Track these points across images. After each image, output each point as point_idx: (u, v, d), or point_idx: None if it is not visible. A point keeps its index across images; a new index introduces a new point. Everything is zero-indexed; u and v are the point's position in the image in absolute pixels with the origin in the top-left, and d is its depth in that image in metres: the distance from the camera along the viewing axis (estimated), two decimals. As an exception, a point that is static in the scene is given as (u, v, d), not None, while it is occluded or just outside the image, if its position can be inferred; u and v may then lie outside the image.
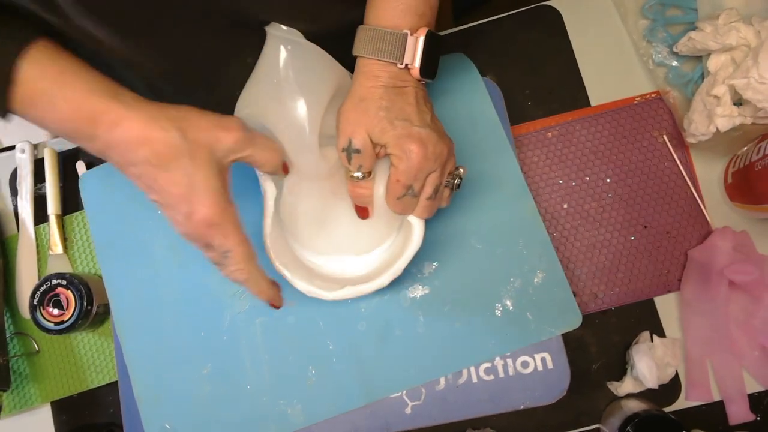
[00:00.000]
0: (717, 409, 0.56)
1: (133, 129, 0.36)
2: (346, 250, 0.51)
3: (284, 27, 0.45)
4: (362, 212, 0.49)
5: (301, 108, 0.45)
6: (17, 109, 0.36)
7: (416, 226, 0.47)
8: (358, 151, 0.44)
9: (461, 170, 0.47)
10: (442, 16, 0.76)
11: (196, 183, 0.37)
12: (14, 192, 0.68)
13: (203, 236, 0.39)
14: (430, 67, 0.45)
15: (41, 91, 0.35)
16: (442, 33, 0.65)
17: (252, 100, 0.47)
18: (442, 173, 0.45)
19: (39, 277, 0.65)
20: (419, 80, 0.45)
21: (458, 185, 0.48)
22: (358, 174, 0.45)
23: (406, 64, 0.43)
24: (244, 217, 0.42)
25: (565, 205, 0.60)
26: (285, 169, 0.45)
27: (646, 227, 0.59)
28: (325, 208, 0.50)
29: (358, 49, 0.44)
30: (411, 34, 0.43)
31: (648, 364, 0.53)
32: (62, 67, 0.36)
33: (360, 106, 0.43)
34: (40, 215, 0.66)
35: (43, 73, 0.35)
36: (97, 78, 0.37)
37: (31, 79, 0.35)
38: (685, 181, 0.59)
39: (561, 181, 0.60)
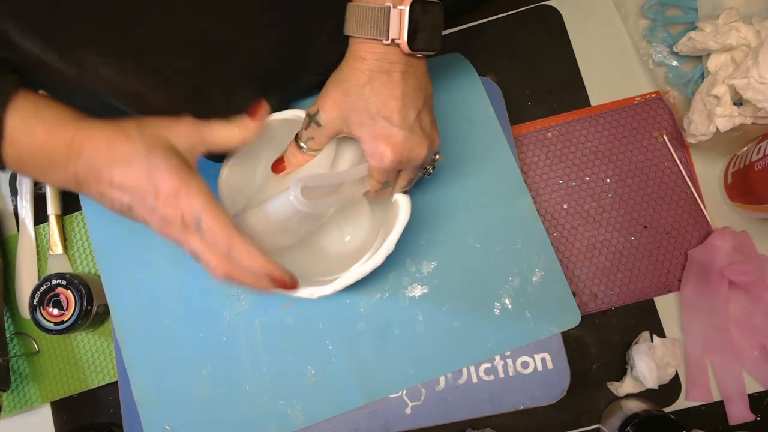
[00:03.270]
0: (717, 409, 0.56)
1: (102, 135, 0.39)
2: (335, 270, 0.50)
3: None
4: (277, 167, 0.48)
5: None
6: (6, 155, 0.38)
7: (402, 202, 0.47)
8: (318, 125, 0.43)
9: (437, 157, 0.47)
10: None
11: (153, 166, 0.38)
12: (14, 192, 0.68)
13: (175, 211, 0.39)
14: (426, 37, 0.40)
15: (23, 127, 0.38)
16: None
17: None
18: (415, 169, 0.45)
19: (39, 277, 0.65)
20: (413, 55, 0.41)
21: (430, 173, 0.48)
22: (303, 146, 0.45)
23: (393, 39, 0.40)
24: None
25: (565, 205, 0.60)
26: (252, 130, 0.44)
27: (646, 227, 0.58)
28: (311, 237, 0.51)
29: (346, 28, 0.41)
30: (394, 6, 0.39)
31: (648, 364, 0.53)
32: (38, 106, 0.39)
33: (341, 86, 0.41)
34: (40, 215, 0.66)
35: (24, 115, 0.38)
36: (68, 109, 0.40)
37: (15, 128, 0.38)
38: (685, 181, 0.59)
39: (561, 181, 0.60)
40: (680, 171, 0.59)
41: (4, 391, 0.61)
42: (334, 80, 0.42)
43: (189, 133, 0.42)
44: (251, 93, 0.45)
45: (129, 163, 0.39)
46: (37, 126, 0.38)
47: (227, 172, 0.48)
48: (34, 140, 0.38)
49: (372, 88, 0.40)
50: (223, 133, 0.43)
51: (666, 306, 0.58)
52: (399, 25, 0.39)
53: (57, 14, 0.36)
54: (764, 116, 0.51)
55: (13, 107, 0.38)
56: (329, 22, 0.44)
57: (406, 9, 0.39)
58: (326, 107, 0.42)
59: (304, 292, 0.47)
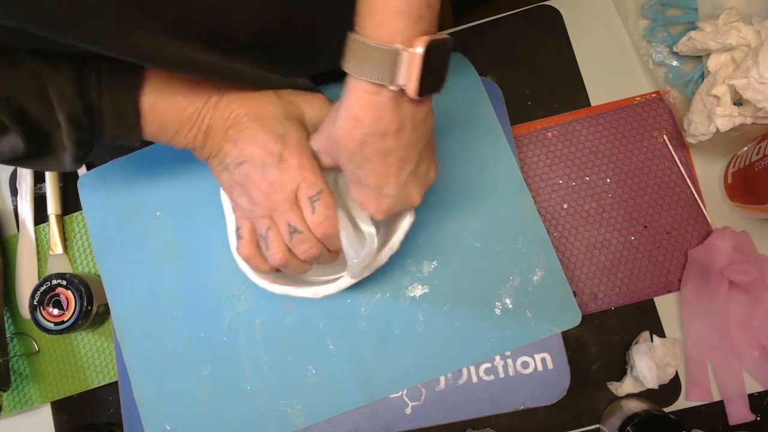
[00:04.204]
0: (717, 409, 0.56)
1: (241, 93, 0.42)
2: (339, 269, 0.50)
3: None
4: None
5: None
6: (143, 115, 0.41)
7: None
8: (321, 162, 0.43)
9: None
10: (441, 16, 0.76)
11: (285, 133, 0.41)
12: (14, 192, 0.68)
13: (293, 181, 0.41)
14: (436, 80, 0.36)
15: (163, 88, 0.40)
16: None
17: None
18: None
19: (39, 277, 0.65)
20: (419, 101, 0.37)
21: None
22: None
23: (400, 86, 0.35)
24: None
25: (565, 205, 0.60)
26: None
27: (646, 227, 0.59)
28: None
29: (346, 64, 0.36)
30: (405, 48, 0.34)
31: (648, 364, 0.53)
32: (170, 74, 0.41)
33: (332, 141, 0.39)
34: (40, 215, 0.66)
35: (161, 80, 0.41)
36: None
37: (152, 90, 0.40)
38: (685, 181, 0.59)
39: (561, 181, 0.60)
40: (680, 171, 0.59)
41: (4, 391, 0.61)
42: (327, 127, 0.41)
43: (322, 106, 0.45)
44: (253, 66, 0.45)
45: (266, 123, 0.41)
46: (177, 85, 0.41)
47: None
48: (174, 100, 0.40)
49: (362, 156, 0.38)
50: None
51: (666, 306, 0.58)
52: (409, 71, 0.34)
53: None
54: (764, 116, 0.51)
55: (150, 75, 0.40)
56: (335, 36, 0.41)
57: (420, 54, 0.34)
58: (322, 153, 0.42)
59: (308, 292, 0.47)
